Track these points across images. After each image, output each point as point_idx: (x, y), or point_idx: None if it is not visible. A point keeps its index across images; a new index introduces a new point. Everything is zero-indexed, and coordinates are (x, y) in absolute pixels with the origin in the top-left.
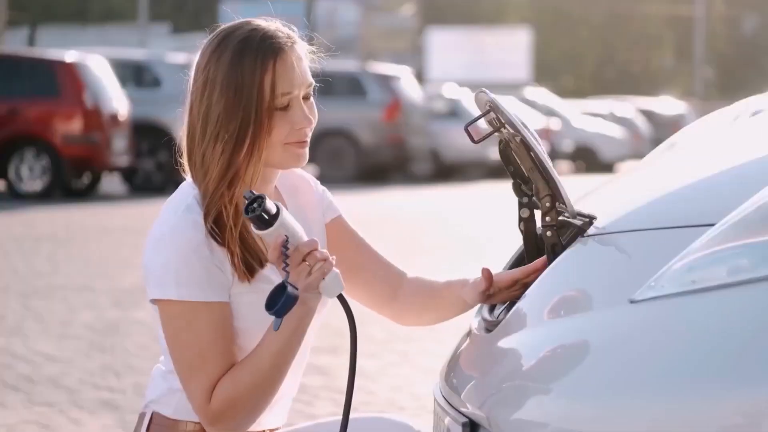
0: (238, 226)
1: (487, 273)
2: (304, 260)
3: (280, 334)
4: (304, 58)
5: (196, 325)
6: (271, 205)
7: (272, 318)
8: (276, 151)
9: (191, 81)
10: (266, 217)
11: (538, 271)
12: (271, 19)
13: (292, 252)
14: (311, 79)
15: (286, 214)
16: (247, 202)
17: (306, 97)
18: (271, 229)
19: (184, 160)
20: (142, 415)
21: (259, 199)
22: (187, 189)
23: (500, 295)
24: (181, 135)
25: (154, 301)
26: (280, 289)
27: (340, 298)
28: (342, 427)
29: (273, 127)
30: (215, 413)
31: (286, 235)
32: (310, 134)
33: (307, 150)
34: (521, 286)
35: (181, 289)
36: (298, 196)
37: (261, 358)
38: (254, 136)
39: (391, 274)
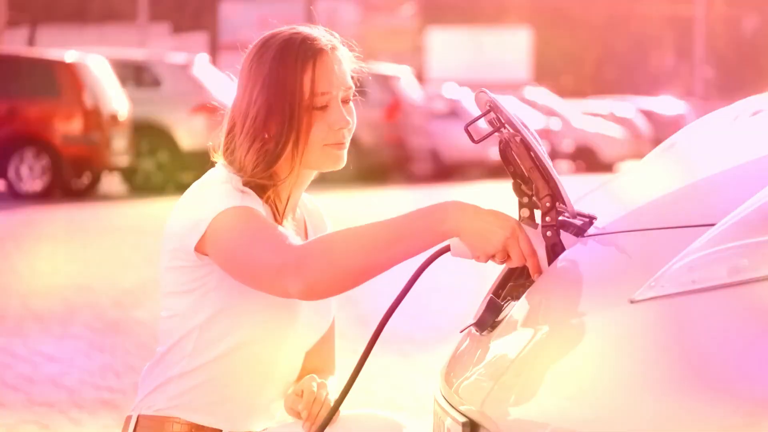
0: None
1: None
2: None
3: (408, 229)
4: (345, 63)
5: (252, 222)
6: None
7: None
8: (315, 152)
9: (237, 81)
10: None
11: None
12: (314, 26)
13: None
14: (350, 83)
15: None
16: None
17: (345, 100)
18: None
19: (220, 157)
20: (128, 419)
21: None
22: (222, 169)
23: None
24: (219, 131)
25: (200, 244)
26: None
27: (437, 254)
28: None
29: (311, 126)
30: (298, 256)
31: None
32: (349, 137)
33: (345, 152)
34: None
35: (230, 200)
36: (317, 225)
37: (376, 230)
38: (296, 134)
39: (324, 360)
